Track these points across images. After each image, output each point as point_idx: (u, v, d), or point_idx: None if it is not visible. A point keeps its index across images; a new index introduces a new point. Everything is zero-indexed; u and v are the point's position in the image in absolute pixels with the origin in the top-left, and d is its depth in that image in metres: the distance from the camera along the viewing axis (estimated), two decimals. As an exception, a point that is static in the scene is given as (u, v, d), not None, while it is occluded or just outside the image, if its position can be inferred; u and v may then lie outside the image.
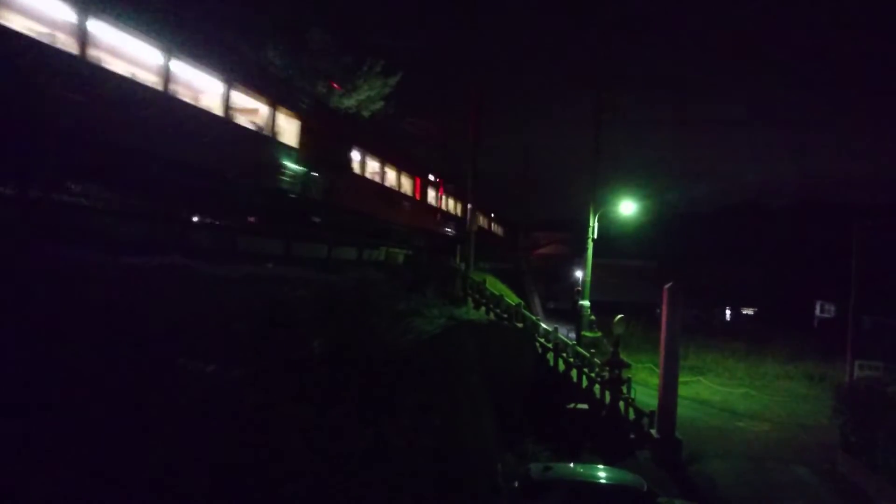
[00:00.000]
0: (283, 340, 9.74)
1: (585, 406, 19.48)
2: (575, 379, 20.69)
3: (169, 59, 10.54)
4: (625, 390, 19.15)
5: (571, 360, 21.17)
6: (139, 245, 10.07)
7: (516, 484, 11.67)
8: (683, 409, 19.98)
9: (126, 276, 8.52)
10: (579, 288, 29.39)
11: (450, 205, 29.47)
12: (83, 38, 8.99)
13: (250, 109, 13.40)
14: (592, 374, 20.40)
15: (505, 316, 23.08)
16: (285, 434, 8.02)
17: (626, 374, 19.62)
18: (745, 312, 54.37)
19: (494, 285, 27.69)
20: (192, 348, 8.05)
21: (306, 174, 14.99)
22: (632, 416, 18.70)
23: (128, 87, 9.88)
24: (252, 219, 15.18)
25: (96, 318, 7.23)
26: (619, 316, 20.86)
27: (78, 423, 5.94)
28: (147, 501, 5.92)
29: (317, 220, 16.56)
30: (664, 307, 18.90)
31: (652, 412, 18.28)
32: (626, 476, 12.31)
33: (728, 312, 54.65)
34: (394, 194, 21.37)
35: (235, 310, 9.64)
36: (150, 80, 10.45)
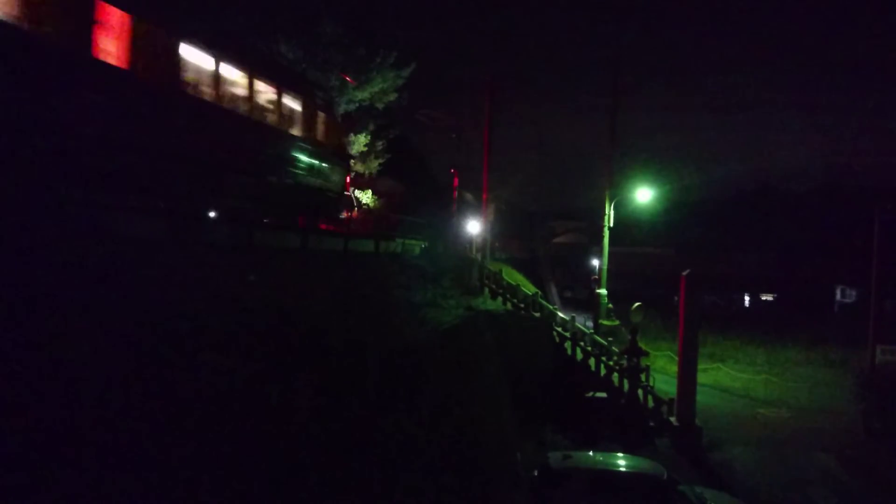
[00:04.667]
0: (302, 334, 9.81)
1: (604, 394, 19.46)
2: (593, 367, 20.65)
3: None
4: (643, 378, 19.11)
5: (589, 348, 21.13)
6: (157, 242, 10.18)
7: (536, 473, 11.71)
8: (703, 397, 19.89)
9: (147, 272, 8.62)
10: (596, 276, 29.25)
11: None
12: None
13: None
14: (611, 363, 20.35)
15: (522, 306, 23.05)
16: (305, 427, 8.10)
17: (644, 362, 19.57)
18: (764, 298, 53.70)
19: (511, 275, 27.63)
20: (213, 343, 8.14)
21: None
22: (651, 403, 18.67)
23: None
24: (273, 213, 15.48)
25: (117, 315, 7.33)
26: (637, 304, 20.76)
27: (101, 418, 6.04)
28: (167, 492, 6.01)
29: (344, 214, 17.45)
30: (682, 294, 18.79)
31: (671, 400, 18.23)
32: (645, 464, 12.29)
33: (747, 299, 54.03)
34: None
35: (254, 304, 9.72)
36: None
